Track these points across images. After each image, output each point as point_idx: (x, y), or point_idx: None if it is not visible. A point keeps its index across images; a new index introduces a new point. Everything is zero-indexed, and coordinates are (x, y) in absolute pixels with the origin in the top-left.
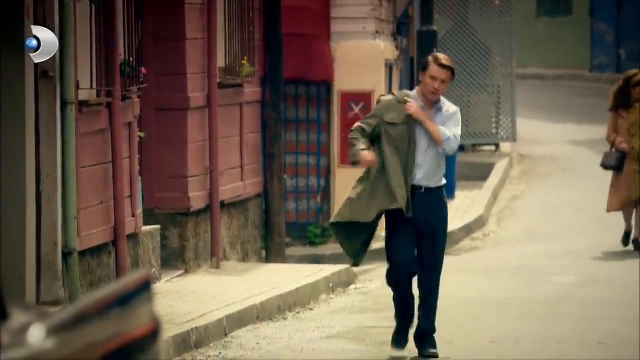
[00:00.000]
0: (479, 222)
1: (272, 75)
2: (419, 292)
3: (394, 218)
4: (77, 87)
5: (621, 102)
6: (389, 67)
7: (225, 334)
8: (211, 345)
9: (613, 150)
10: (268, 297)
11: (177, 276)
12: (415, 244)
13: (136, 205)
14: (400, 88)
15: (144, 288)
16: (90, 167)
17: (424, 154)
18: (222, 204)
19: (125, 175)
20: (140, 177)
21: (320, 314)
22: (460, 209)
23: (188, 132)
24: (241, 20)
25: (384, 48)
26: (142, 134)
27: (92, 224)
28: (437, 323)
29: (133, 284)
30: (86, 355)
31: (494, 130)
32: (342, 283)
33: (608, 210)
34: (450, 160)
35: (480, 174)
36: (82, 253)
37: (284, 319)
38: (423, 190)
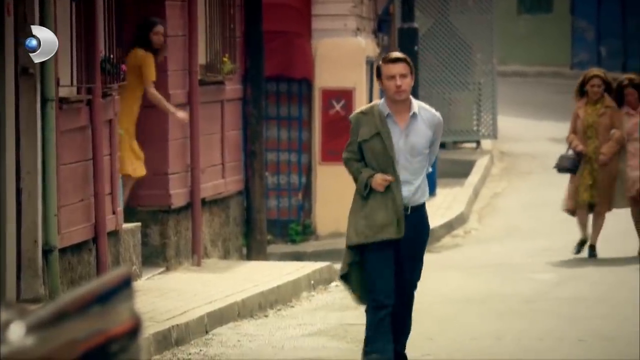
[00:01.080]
0: (460, 220)
1: (253, 72)
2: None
3: (376, 245)
4: (58, 84)
5: (579, 94)
6: (370, 64)
7: (207, 332)
8: (192, 342)
9: (570, 152)
10: (249, 294)
11: (158, 274)
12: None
13: (117, 203)
14: None
15: (124, 286)
16: (70, 165)
17: (406, 168)
18: (204, 202)
19: (106, 172)
20: (121, 175)
21: (302, 312)
22: (442, 207)
23: (169, 129)
24: (222, 18)
25: (365, 45)
26: (122, 132)
27: (73, 221)
28: (417, 321)
29: (114, 281)
30: (67, 353)
31: (475, 128)
32: (323, 280)
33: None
34: None
35: (462, 171)
36: (62, 251)
37: (265, 316)
38: (409, 210)
